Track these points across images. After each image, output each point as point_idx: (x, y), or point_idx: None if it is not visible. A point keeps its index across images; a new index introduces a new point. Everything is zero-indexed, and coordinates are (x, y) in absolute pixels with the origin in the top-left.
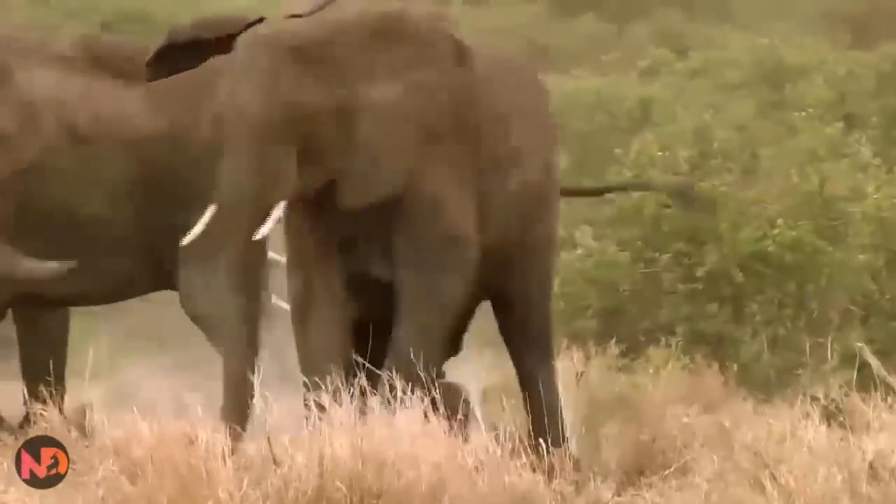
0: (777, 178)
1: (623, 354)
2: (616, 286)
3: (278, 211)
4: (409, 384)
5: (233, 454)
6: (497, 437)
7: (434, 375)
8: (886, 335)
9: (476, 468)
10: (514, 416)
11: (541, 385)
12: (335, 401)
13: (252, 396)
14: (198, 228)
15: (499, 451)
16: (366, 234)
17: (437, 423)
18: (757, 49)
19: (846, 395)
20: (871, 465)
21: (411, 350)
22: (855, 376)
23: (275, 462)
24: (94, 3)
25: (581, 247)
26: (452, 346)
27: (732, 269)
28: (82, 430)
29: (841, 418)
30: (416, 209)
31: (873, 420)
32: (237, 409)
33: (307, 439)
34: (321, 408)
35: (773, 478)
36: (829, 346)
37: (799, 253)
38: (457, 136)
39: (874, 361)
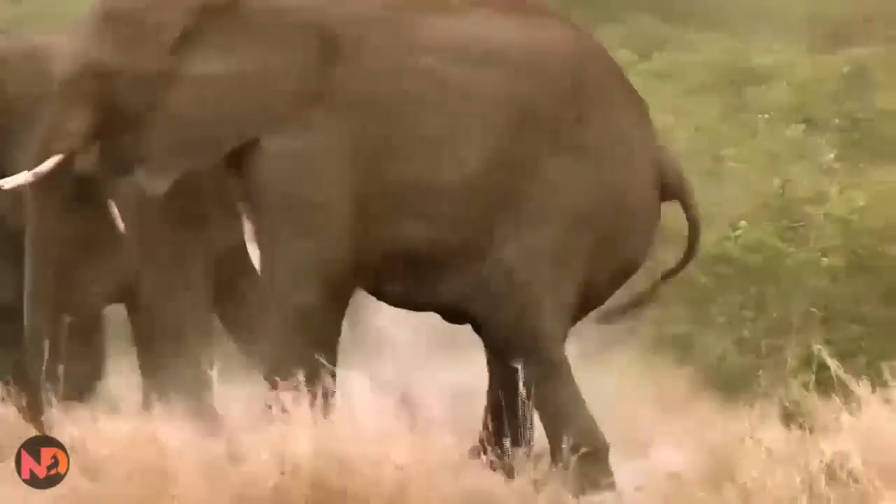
0: (739, 180)
1: (583, 356)
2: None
3: (52, 162)
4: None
5: (194, 453)
6: (460, 438)
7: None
8: (846, 338)
9: (438, 468)
10: (477, 417)
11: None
12: (297, 400)
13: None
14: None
15: (461, 452)
16: None
17: (401, 424)
18: (721, 52)
19: (805, 396)
20: (829, 467)
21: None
22: (814, 378)
23: (237, 460)
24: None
25: None
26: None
27: (695, 270)
28: (41, 427)
29: (800, 420)
30: (264, 193)
31: (832, 422)
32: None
33: (269, 438)
34: (283, 407)
35: (732, 479)
36: (789, 348)
37: (760, 255)
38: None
39: (833, 363)
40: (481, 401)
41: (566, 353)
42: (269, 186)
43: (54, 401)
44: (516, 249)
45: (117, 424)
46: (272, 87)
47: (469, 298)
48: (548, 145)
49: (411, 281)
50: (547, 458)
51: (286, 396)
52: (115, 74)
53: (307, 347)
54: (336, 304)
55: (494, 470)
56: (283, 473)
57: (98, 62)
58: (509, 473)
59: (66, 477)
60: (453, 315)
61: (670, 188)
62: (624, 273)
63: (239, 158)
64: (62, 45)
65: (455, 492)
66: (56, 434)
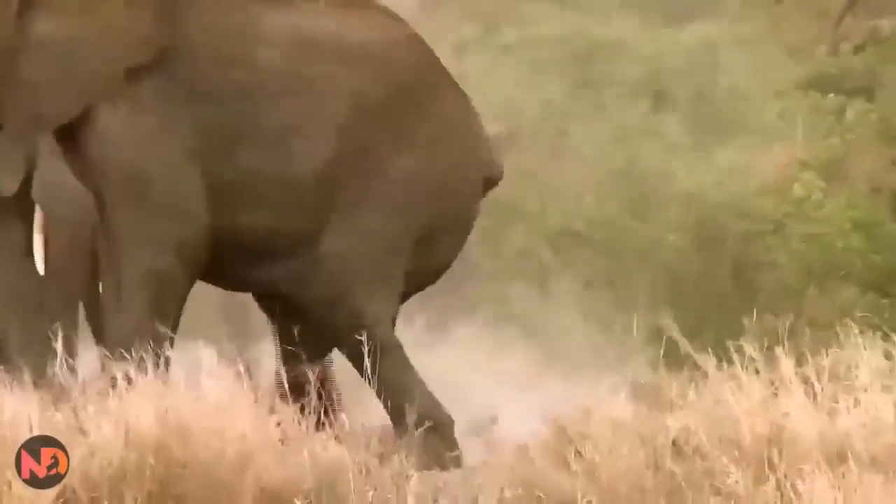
0: (586, 156)
1: (429, 331)
2: None
3: None
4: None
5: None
6: (303, 410)
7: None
8: (693, 314)
9: (282, 440)
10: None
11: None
12: (140, 371)
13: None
14: None
15: (304, 424)
16: None
17: (243, 395)
18: (566, 26)
19: (653, 372)
20: (674, 442)
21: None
22: (662, 354)
23: (81, 431)
24: None
25: None
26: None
27: (541, 246)
28: None
29: (647, 395)
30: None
31: (678, 398)
32: None
33: (113, 409)
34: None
35: (578, 453)
36: (634, 322)
37: (606, 230)
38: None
39: (681, 339)
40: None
41: (400, 332)
42: (110, 158)
43: None
44: (348, 236)
45: None
46: (107, 52)
47: (299, 282)
48: (386, 138)
49: (245, 265)
50: (390, 434)
51: (129, 367)
52: None
53: (150, 318)
54: (185, 275)
55: (340, 443)
56: (126, 445)
57: None
58: (353, 447)
59: None
60: (277, 298)
61: (493, 181)
62: (444, 264)
63: (75, 130)
64: None
65: (299, 463)
66: None
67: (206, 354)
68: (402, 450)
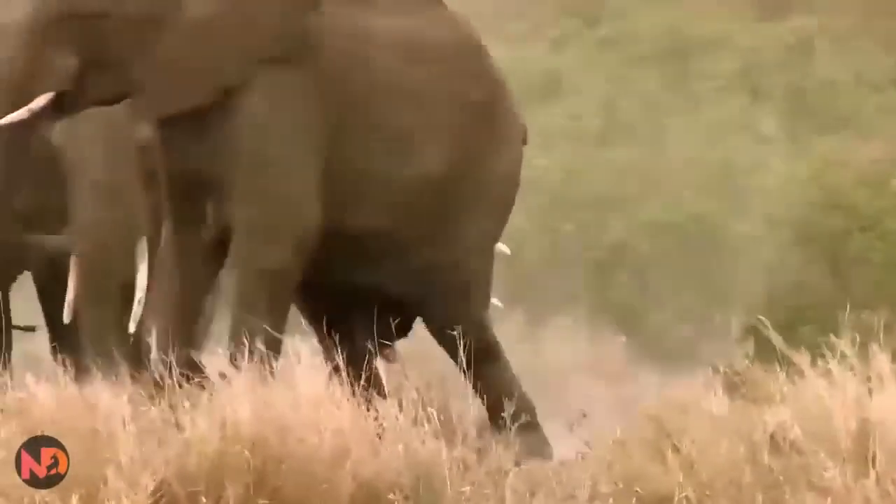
0: (683, 150)
1: (527, 322)
2: (520, 254)
3: (40, 101)
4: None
5: (134, 418)
6: (400, 404)
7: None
8: (788, 309)
9: (378, 435)
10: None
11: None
12: (235, 366)
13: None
14: None
15: (401, 418)
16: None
17: (340, 389)
18: (664, 22)
19: (748, 367)
20: (772, 437)
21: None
22: (754, 348)
23: (177, 426)
24: None
25: None
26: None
27: (638, 239)
28: None
29: (743, 390)
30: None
31: (775, 392)
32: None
33: (209, 404)
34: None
35: (676, 448)
36: (732, 318)
37: (703, 225)
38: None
39: (774, 335)
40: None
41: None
42: (246, 149)
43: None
44: (463, 242)
45: (59, 390)
46: (245, 42)
47: (411, 285)
48: (485, 140)
49: (350, 266)
50: (488, 428)
51: (227, 361)
52: (101, 18)
53: (270, 315)
54: (299, 273)
55: (437, 438)
56: (222, 439)
57: (82, 6)
58: (451, 442)
59: (6, 440)
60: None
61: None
62: None
63: (205, 115)
64: None
65: (396, 458)
66: (1, 398)
67: (303, 348)
68: (499, 445)
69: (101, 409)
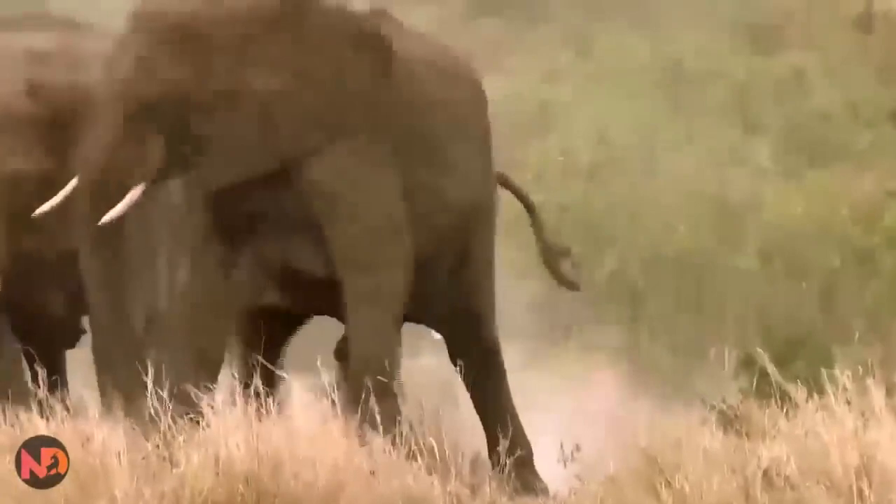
0: (677, 182)
1: (520, 354)
2: (515, 288)
3: (135, 192)
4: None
5: (128, 453)
6: (394, 440)
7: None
8: (782, 343)
9: (372, 471)
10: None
11: None
12: (230, 401)
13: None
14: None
15: (395, 454)
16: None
17: (334, 425)
18: (658, 54)
19: (742, 401)
20: (765, 473)
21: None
22: (754, 382)
23: (171, 462)
24: None
25: None
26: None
27: (632, 272)
28: None
29: (737, 425)
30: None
31: (769, 427)
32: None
33: (203, 439)
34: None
35: (668, 483)
36: (725, 351)
37: (697, 258)
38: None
39: (771, 368)
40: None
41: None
42: (339, 193)
43: None
44: (480, 264)
45: (54, 424)
46: (332, 99)
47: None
48: (490, 157)
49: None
50: (482, 463)
51: (219, 398)
52: (191, 101)
53: (396, 340)
54: None
55: (430, 473)
56: (217, 474)
57: (172, 84)
58: (444, 477)
59: (3, 474)
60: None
61: None
62: None
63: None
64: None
65: (390, 494)
66: None
67: (297, 384)
68: (492, 479)
69: (96, 444)
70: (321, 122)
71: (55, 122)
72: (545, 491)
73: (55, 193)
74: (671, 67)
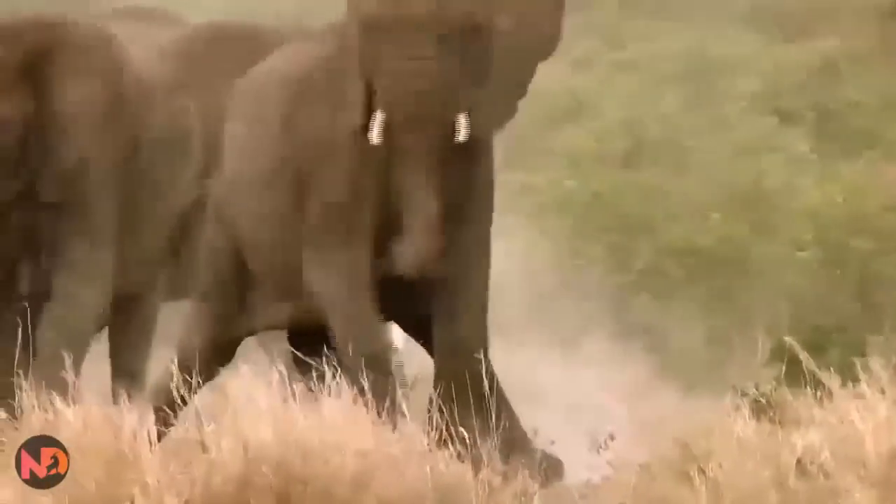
0: (709, 171)
1: (554, 345)
2: (545, 277)
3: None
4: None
5: (159, 440)
6: (424, 427)
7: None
8: (816, 331)
9: (403, 457)
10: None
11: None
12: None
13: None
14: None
15: (426, 441)
16: None
17: (365, 412)
18: (685, 42)
19: (775, 389)
20: (799, 461)
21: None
22: (784, 371)
23: (203, 448)
24: None
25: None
26: None
27: (666, 261)
28: (11, 410)
29: (770, 413)
30: None
31: (802, 415)
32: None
33: (232, 425)
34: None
35: (702, 471)
36: (759, 340)
37: (731, 247)
38: None
39: (804, 356)
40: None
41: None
42: (488, 174)
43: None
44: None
45: (84, 411)
46: None
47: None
48: None
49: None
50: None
51: (249, 383)
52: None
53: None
54: None
55: (462, 461)
56: (247, 461)
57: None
58: (476, 465)
59: None
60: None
61: None
62: None
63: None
64: None
65: (420, 481)
66: (25, 419)
67: (327, 370)
68: (525, 467)
69: (127, 430)
70: None
71: None
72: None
73: None
74: (701, 56)
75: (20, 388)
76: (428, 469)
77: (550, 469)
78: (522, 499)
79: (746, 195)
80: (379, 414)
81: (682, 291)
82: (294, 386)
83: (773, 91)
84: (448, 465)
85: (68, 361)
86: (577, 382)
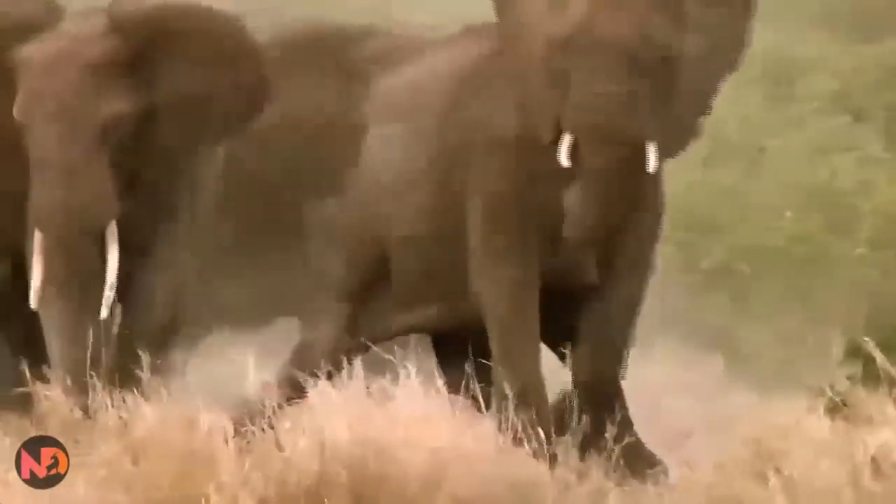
0: (783, 170)
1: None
2: None
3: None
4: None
5: (234, 437)
6: (500, 425)
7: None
8: (890, 330)
9: (478, 454)
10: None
11: None
12: (333, 385)
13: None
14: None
15: (501, 439)
16: None
17: (439, 409)
18: (761, 42)
19: (851, 388)
20: (874, 459)
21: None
22: (860, 370)
23: (278, 446)
24: None
25: None
26: None
27: (738, 260)
28: (85, 409)
29: (844, 412)
30: None
31: (877, 414)
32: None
33: (307, 424)
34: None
35: (777, 470)
36: (833, 339)
37: (806, 246)
38: None
39: (879, 355)
40: None
41: None
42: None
43: (98, 385)
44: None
45: (161, 409)
46: None
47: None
48: None
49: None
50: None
51: (324, 381)
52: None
53: None
54: None
55: (537, 458)
56: (322, 459)
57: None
58: (552, 462)
59: (111, 458)
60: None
61: None
62: None
63: None
64: None
65: (494, 478)
66: (101, 418)
67: (409, 367)
68: (600, 466)
69: (202, 428)
70: None
71: None
72: (654, 477)
73: None
74: (775, 57)
75: (92, 388)
76: (504, 466)
77: (663, 472)
78: (597, 497)
79: (820, 194)
80: (454, 412)
81: (755, 290)
82: (369, 385)
83: (848, 91)
84: (523, 464)
85: (146, 359)
86: (650, 382)
